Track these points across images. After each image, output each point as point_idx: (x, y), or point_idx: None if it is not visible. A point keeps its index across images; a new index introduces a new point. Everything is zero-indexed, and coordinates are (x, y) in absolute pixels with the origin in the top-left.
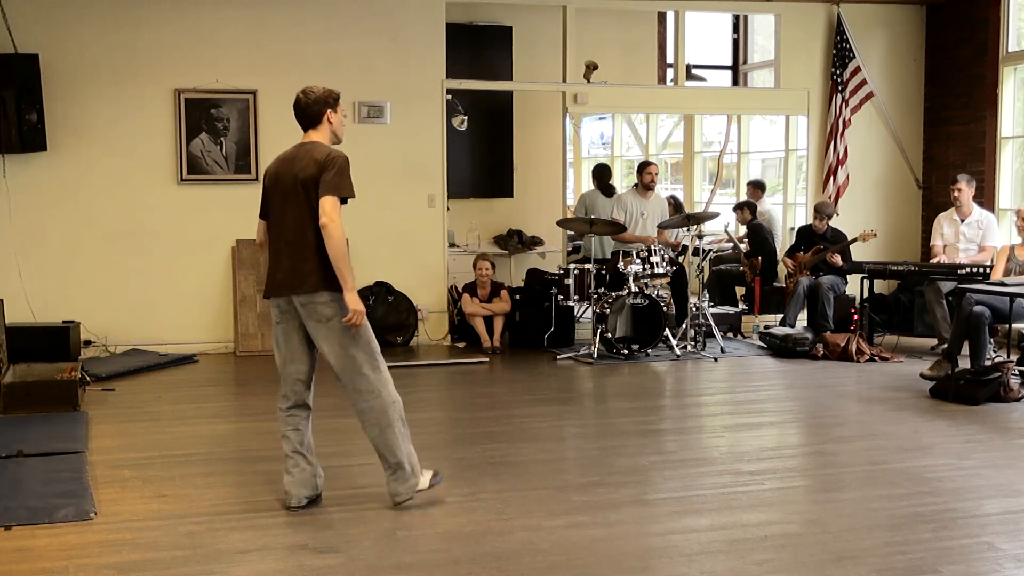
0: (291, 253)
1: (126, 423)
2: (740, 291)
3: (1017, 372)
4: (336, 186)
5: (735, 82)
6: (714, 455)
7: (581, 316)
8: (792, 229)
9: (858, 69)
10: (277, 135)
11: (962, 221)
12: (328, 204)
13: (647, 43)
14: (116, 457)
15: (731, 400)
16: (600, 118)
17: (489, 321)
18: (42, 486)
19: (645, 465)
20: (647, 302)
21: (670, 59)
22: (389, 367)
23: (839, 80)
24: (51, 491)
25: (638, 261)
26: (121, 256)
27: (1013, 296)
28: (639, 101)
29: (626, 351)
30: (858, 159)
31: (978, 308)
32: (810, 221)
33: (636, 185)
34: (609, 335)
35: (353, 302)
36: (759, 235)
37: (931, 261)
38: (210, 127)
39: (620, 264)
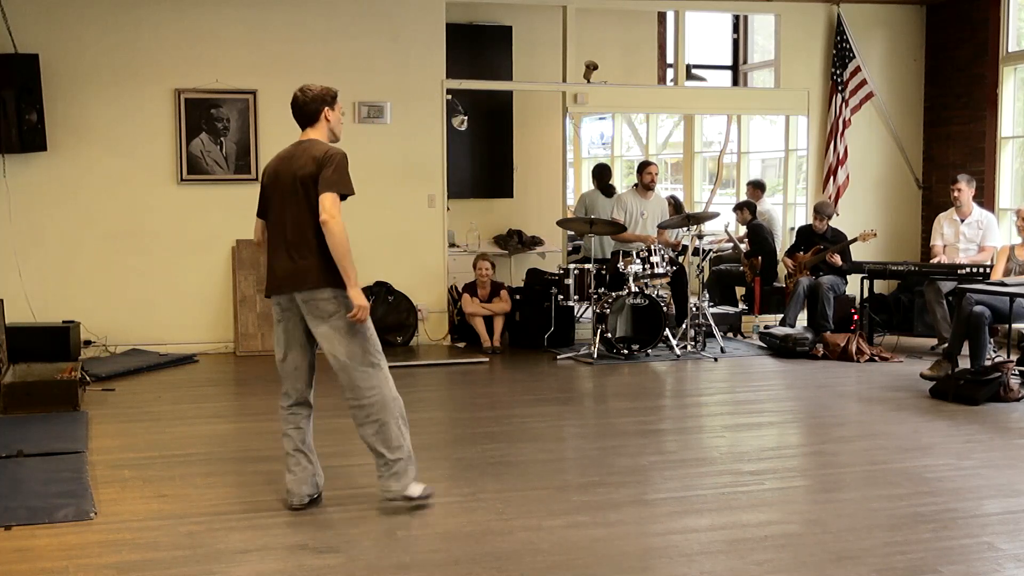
0: (291, 251)
1: (126, 423)
2: (740, 291)
3: (1017, 372)
4: (335, 182)
5: (735, 82)
6: (714, 455)
7: (581, 316)
8: (792, 229)
9: (858, 69)
10: (277, 135)
11: (962, 221)
12: (328, 201)
13: (647, 43)
14: (116, 457)
15: (731, 400)
16: (600, 118)
17: (489, 321)
18: (42, 486)
19: (645, 465)
20: (647, 302)
21: (670, 59)
22: (389, 367)
23: (839, 80)
24: (51, 491)
25: (638, 261)
26: (121, 256)
27: (1013, 296)
28: (639, 101)
29: (626, 351)
30: (858, 159)
31: (978, 308)
32: (810, 221)
33: (636, 185)
34: (609, 335)
35: (357, 297)
36: (759, 235)
37: (931, 261)
38: (210, 127)
39: (620, 264)
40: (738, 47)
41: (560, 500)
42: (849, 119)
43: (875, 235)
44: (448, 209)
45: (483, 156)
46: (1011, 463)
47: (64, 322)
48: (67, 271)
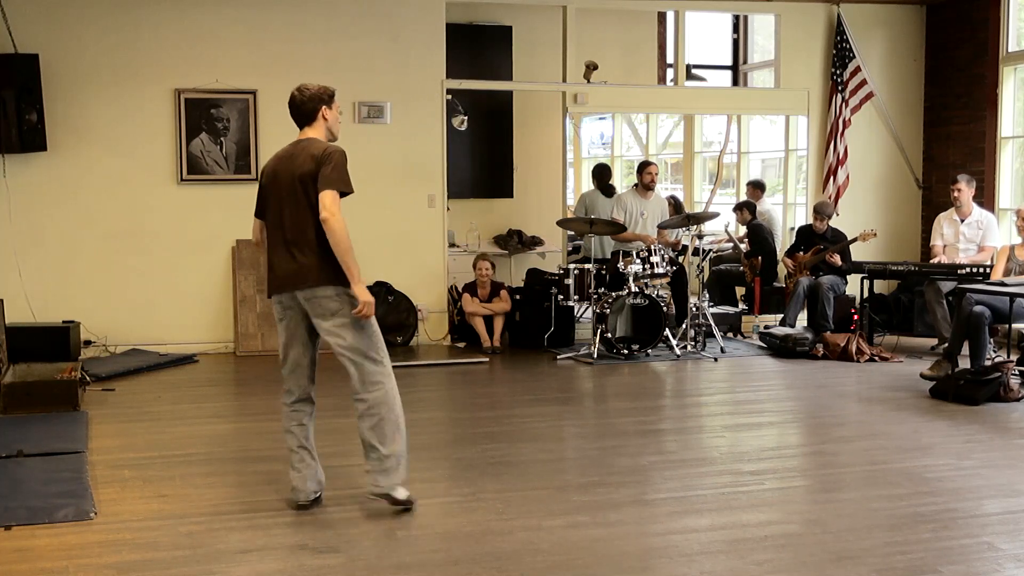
0: (291, 250)
1: (126, 423)
2: (740, 291)
3: (1017, 372)
4: (335, 180)
5: (735, 82)
6: (714, 455)
7: (581, 316)
8: (792, 229)
9: (858, 69)
10: (277, 135)
11: (962, 221)
12: (328, 198)
13: (647, 43)
14: (116, 457)
15: (731, 400)
16: (600, 118)
17: (489, 321)
18: (42, 486)
19: (645, 465)
20: (647, 302)
21: (670, 59)
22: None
23: (839, 80)
24: (51, 491)
25: (638, 261)
26: (121, 256)
27: (1013, 296)
28: (639, 101)
29: (626, 351)
30: (858, 159)
31: (978, 308)
32: (810, 221)
33: (636, 185)
34: (609, 335)
35: (362, 293)
36: (759, 235)
37: (931, 261)
38: (210, 127)
39: (620, 264)
40: (738, 47)
41: (560, 500)
42: (849, 119)
43: (875, 235)
44: (448, 209)
45: (483, 156)
46: (1011, 463)
47: (64, 322)
48: (67, 271)
